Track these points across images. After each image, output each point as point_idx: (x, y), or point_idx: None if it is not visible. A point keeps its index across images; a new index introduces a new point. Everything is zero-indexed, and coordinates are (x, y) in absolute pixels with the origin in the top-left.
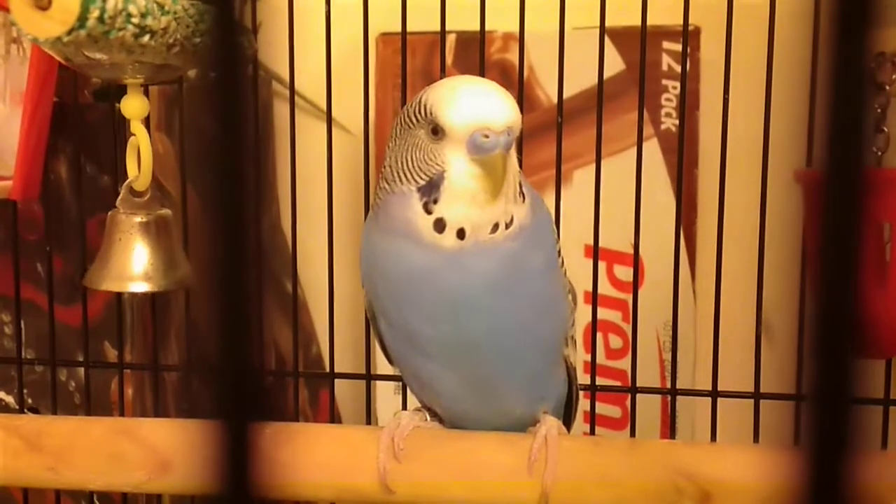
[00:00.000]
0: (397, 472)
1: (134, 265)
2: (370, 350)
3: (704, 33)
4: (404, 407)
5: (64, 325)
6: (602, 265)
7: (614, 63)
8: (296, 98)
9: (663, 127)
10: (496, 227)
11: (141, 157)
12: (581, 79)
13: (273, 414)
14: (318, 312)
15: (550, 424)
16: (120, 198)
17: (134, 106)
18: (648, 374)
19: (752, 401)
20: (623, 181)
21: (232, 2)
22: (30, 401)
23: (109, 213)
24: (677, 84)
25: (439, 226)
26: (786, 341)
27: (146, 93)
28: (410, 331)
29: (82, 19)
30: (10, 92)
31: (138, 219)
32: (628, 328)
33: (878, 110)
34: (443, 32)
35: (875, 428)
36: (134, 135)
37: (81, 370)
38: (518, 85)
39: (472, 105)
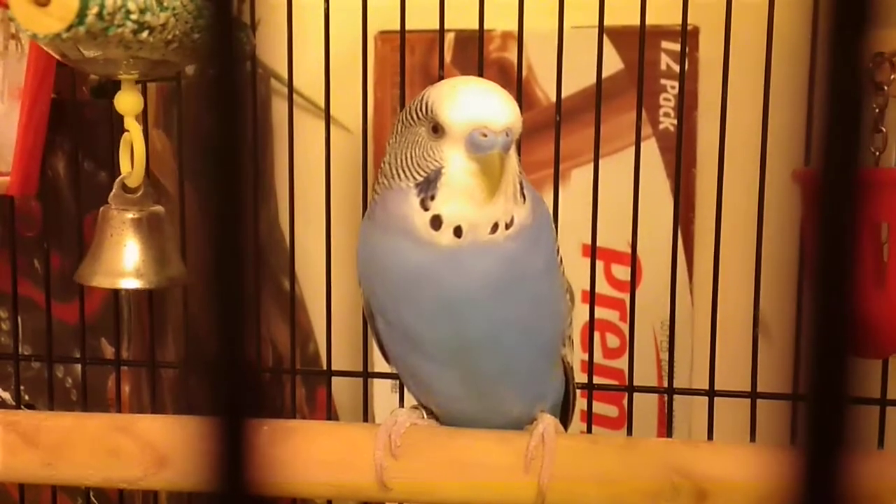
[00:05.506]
0: (394, 470)
1: (125, 261)
2: (367, 348)
3: (703, 33)
4: (401, 404)
5: (61, 322)
6: (600, 264)
7: (613, 62)
8: (294, 96)
9: (661, 126)
10: (496, 227)
11: (134, 153)
12: (579, 78)
13: (270, 411)
14: (315, 310)
15: (547, 423)
16: (112, 194)
17: (127, 102)
18: (645, 374)
19: (748, 400)
20: (621, 180)
21: None
22: (26, 397)
23: (101, 209)
24: (676, 84)
25: (436, 223)
26: (783, 341)
27: (143, 89)
28: (407, 329)
29: (81, 16)
30: (8, 88)
31: (130, 215)
32: (625, 327)
33: (876, 110)
34: (441, 31)
35: (871, 428)
36: (128, 131)
37: (78, 367)
38: (517, 84)
39: (472, 104)
